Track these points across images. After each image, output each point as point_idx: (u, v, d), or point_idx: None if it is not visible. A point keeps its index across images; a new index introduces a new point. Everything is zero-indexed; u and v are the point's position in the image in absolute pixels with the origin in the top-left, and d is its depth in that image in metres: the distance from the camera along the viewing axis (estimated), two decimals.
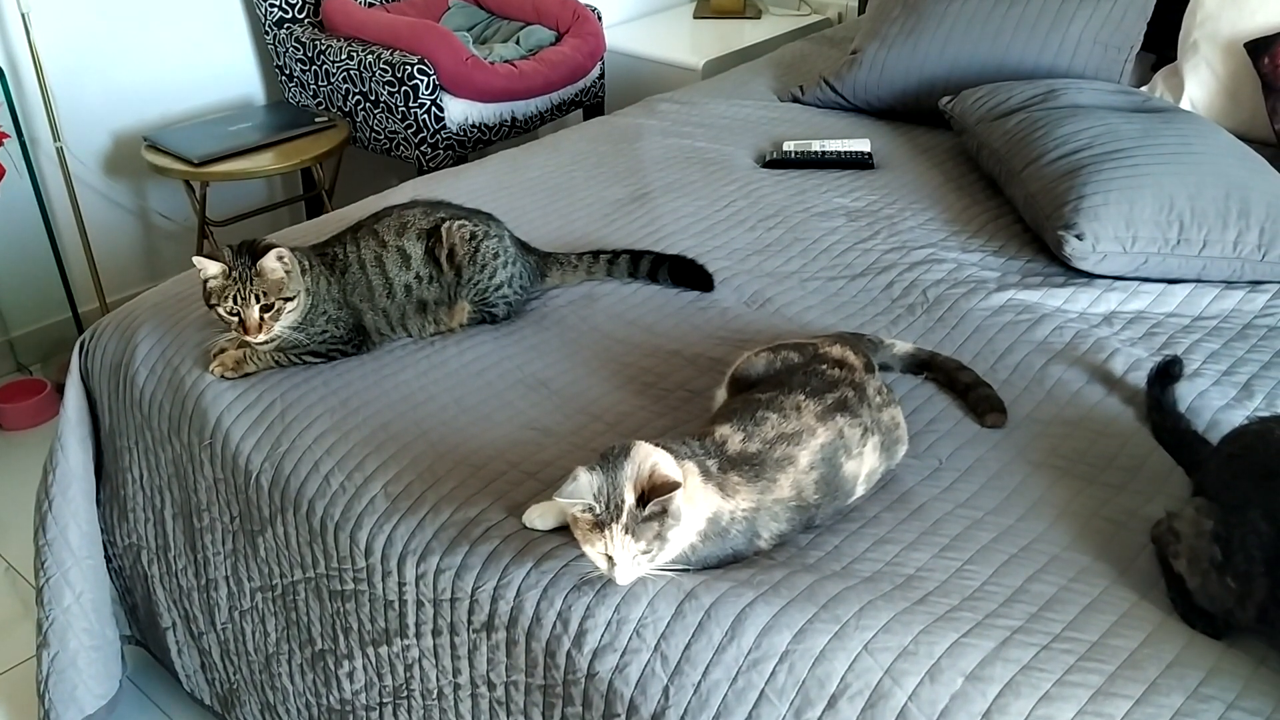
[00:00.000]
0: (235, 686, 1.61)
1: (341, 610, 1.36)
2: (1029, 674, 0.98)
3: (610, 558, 1.06)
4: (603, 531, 1.05)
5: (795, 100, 2.49)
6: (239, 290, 1.43)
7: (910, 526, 1.20)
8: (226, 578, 1.53)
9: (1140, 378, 1.42)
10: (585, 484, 1.06)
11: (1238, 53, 2.12)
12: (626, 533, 1.05)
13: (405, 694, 1.32)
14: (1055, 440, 1.33)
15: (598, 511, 1.05)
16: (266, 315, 1.44)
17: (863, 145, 2.18)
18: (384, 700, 1.35)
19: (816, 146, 2.18)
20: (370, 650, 1.34)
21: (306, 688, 1.46)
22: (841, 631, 1.03)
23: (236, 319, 1.44)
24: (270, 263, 1.43)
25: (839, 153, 2.15)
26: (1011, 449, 1.32)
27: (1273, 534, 1.01)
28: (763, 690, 1.02)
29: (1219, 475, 1.13)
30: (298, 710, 1.49)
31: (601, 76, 3.19)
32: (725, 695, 1.03)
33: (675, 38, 3.47)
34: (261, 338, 1.46)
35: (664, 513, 1.06)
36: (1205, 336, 1.53)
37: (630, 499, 1.05)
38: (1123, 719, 0.93)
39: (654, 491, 1.05)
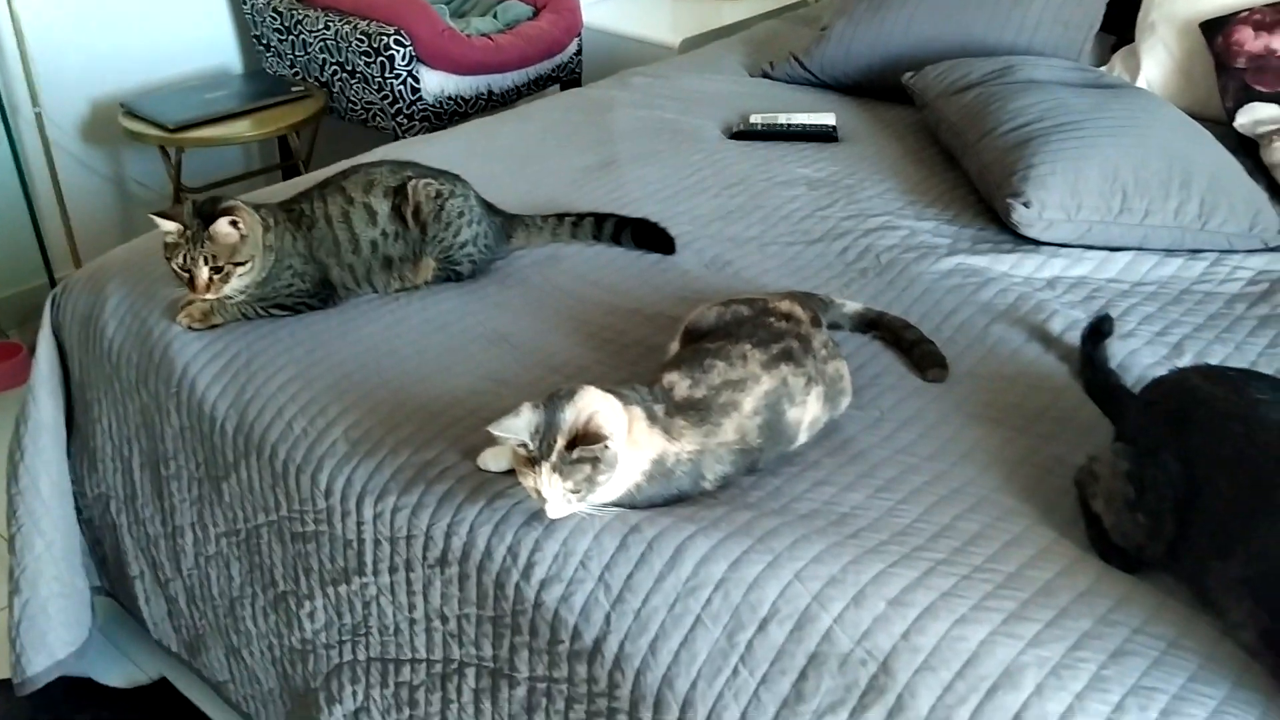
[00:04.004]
0: (201, 632, 1.65)
1: (303, 551, 1.40)
2: (948, 600, 1.03)
3: (539, 492, 1.11)
4: (534, 467, 1.10)
5: (765, 75, 2.53)
6: (189, 251, 1.47)
7: (849, 470, 1.25)
8: (192, 524, 1.58)
9: (1077, 337, 1.47)
10: (524, 422, 1.11)
11: (1193, 33, 2.18)
12: (555, 472, 1.10)
13: (364, 631, 1.36)
14: (992, 394, 1.39)
15: (530, 449, 1.10)
16: (216, 276, 1.48)
17: (827, 119, 2.22)
18: (343, 638, 1.40)
19: (782, 119, 2.22)
20: (330, 589, 1.38)
21: (269, 629, 1.51)
22: (775, 562, 1.09)
23: (188, 275, 1.48)
24: (223, 228, 1.47)
25: (804, 125, 2.20)
26: (951, 401, 1.38)
27: (1182, 473, 1.07)
28: (699, 615, 1.07)
29: (1137, 421, 1.18)
30: (261, 652, 1.54)
31: (579, 53, 3.22)
32: (663, 620, 1.08)
33: (654, 16, 3.50)
34: (210, 296, 1.50)
35: (595, 459, 1.10)
36: (1143, 301, 1.58)
37: (561, 443, 1.10)
38: (1032, 638, 0.99)
39: (584, 439, 1.10)
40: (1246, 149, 1.97)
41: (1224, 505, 1.03)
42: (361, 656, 1.38)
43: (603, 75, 2.70)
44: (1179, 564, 1.07)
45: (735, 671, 1.03)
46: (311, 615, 1.42)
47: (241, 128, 2.71)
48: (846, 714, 0.97)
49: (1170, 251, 1.71)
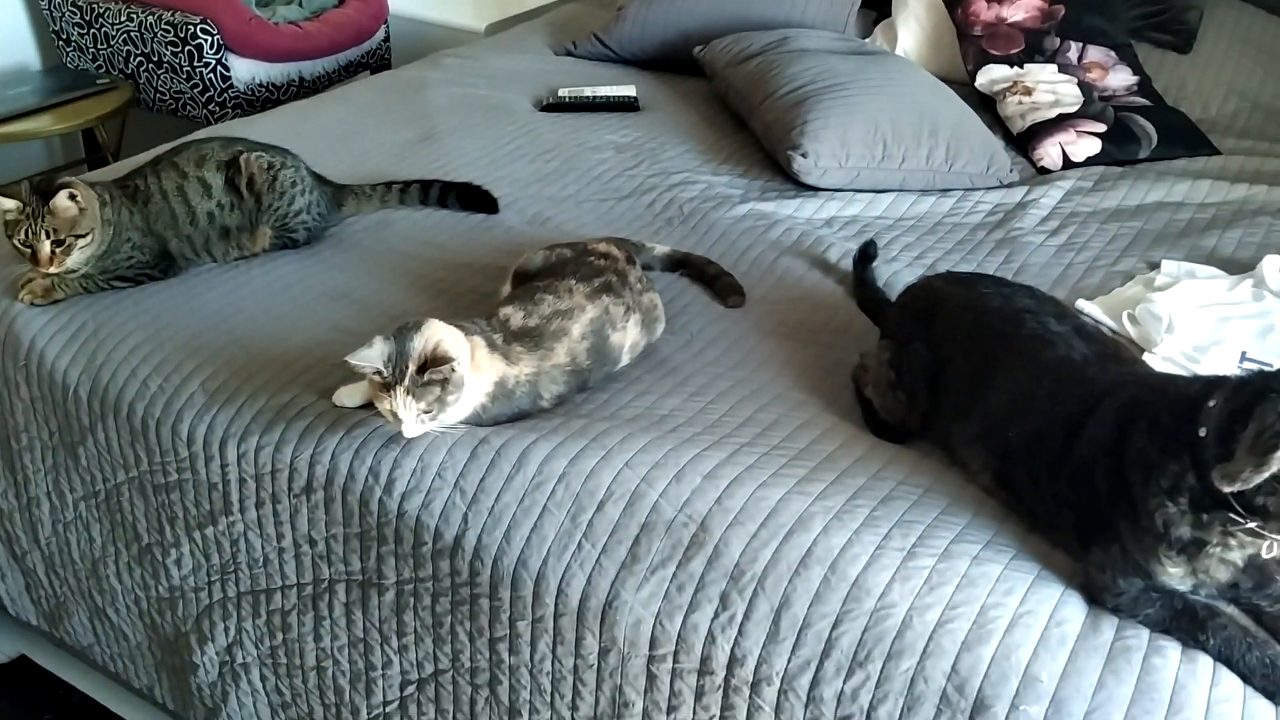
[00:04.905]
0: (62, 600, 1.70)
1: (166, 502, 1.49)
2: (752, 471, 1.24)
3: (395, 414, 1.25)
4: (389, 391, 1.25)
5: (569, 54, 2.71)
6: (30, 226, 1.52)
7: (666, 382, 1.45)
8: (48, 493, 1.62)
9: (850, 265, 1.72)
10: (377, 351, 1.25)
11: (938, 6, 2.49)
12: (409, 394, 1.24)
13: (233, 568, 1.46)
14: (783, 314, 1.62)
15: (385, 375, 1.24)
16: (58, 250, 1.54)
17: (629, 90, 2.42)
18: (212, 579, 1.49)
19: (588, 92, 2.41)
20: (196, 534, 1.47)
21: (135, 584, 1.58)
22: (607, 455, 1.27)
23: (30, 251, 1.54)
24: (62, 201, 1.53)
25: (608, 97, 2.39)
26: (748, 322, 1.60)
27: (930, 357, 1.32)
28: (545, 505, 1.24)
29: (894, 320, 1.43)
30: (127, 607, 1.61)
31: (387, 39, 3.31)
32: (514, 513, 1.25)
33: (458, 1, 3.62)
34: (54, 269, 1.56)
35: (444, 381, 1.25)
36: (904, 233, 1.86)
37: (412, 368, 1.25)
38: (819, 494, 1.21)
39: (433, 362, 1.25)
40: (985, 104, 2.30)
41: (961, 378, 1.28)
42: (231, 593, 1.48)
43: (411, 61, 2.81)
44: (932, 431, 1.32)
45: (579, 546, 1.21)
46: (179, 562, 1.51)
47: (44, 122, 2.69)
48: (674, 567, 1.17)
49: (924, 191, 1.99)
